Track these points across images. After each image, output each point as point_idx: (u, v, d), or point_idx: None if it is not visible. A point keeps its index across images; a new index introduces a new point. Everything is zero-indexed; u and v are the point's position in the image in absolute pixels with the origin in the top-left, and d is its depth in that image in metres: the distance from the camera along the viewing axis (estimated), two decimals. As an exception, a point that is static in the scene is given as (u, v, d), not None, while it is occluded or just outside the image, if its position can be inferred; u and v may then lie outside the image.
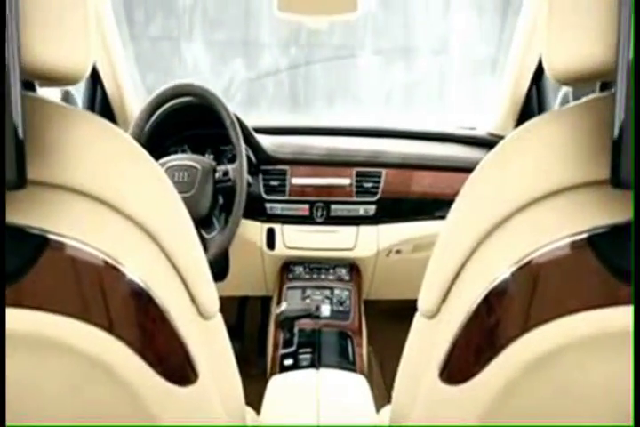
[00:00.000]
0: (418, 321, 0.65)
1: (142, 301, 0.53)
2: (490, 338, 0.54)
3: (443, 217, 1.38)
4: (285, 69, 2.81)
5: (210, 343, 0.63)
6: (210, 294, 0.62)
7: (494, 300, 0.53)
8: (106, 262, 0.51)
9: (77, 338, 0.51)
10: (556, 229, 0.51)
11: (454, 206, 0.61)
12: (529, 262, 0.51)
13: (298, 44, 2.80)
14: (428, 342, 0.62)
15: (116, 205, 0.52)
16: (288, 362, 1.11)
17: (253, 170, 1.37)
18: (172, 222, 0.57)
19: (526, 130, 0.54)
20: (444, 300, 0.59)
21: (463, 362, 0.57)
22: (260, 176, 1.38)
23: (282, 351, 1.15)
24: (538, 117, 0.54)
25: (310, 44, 2.79)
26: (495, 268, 0.53)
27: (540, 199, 0.52)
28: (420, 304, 0.64)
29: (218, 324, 0.64)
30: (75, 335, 0.50)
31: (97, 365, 0.52)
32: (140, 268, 0.53)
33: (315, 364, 1.08)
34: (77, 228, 0.50)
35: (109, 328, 0.51)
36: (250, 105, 2.63)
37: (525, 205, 0.52)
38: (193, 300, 0.59)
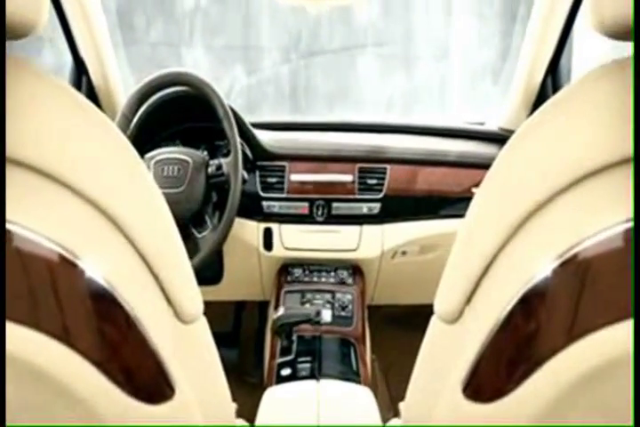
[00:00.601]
0: (434, 326, 0.56)
1: (105, 304, 0.44)
2: (527, 349, 0.44)
3: (452, 216, 1.32)
4: (286, 75, 2.81)
5: (191, 351, 0.54)
6: (191, 294, 0.52)
7: (532, 302, 0.44)
8: (60, 256, 0.42)
9: (23, 348, 0.41)
10: (609, 213, 0.41)
11: (478, 196, 0.52)
12: (575, 256, 0.42)
13: (298, 50, 2.80)
14: (447, 349, 0.53)
15: (72, 183, 0.42)
16: (285, 372, 1.02)
17: (250, 166, 1.30)
18: (143, 208, 0.48)
19: (570, 91, 0.45)
20: (468, 301, 0.50)
21: (493, 377, 0.47)
22: (257, 173, 1.31)
23: (279, 360, 1.06)
24: (584, 76, 0.45)
25: (311, 50, 2.79)
26: (532, 264, 0.44)
27: (588, 177, 0.42)
28: (437, 306, 0.55)
29: (201, 328, 0.55)
30: (20, 345, 0.41)
31: (48, 382, 0.42)
32: (103, 263, 0.44)
33: (315, 374, 0.99)
34: (22, 211, 0.41)
35: (64, 337, 0.42)
36: (250, 110, 2.61)
37: (568, 185, 0.43)
38: (170, 302, 0.50)
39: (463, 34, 2.81)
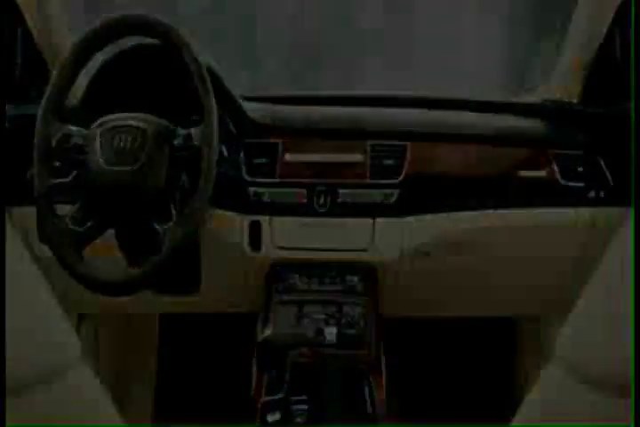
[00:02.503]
0: (567, 390, 0.27)
1: None
2: None
3: (491, 206, 1.07)
4: (287, 82, 2.85)
5: None
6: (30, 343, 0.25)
7: None
8: None
9: None
10: None
11: None
12: None
13: (300, 57, 2.84)
14: None
15: None
16: (273, 418, 0.75)
17: (233, 143, 1.09)
18: None
19: None
20: None
21: None
22: (242, 152, 1.10)
23: (265, 399, 0.80)
24: None
25: (313, 58, 2.83)
26: None
27: None
28: (577, 360, 0.26)
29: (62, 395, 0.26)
30: None
31: None
32: None
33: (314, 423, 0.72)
34: None
35: None
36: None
37: None
38: None
39: (469, 38, 2.88)
